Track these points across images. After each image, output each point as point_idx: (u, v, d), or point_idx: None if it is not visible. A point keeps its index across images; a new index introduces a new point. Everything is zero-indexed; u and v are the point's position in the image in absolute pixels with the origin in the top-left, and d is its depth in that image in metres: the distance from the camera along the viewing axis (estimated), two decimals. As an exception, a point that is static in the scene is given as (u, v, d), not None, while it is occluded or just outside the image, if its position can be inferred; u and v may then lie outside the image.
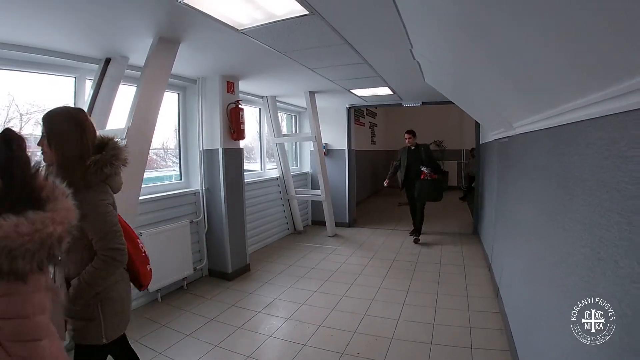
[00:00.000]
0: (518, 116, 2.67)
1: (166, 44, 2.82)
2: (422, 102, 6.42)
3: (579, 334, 1.24)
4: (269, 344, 2.95)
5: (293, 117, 7.36)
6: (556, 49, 1.24)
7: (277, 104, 6.07)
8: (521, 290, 2.53)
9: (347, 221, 7.04)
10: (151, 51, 2.77)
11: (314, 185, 7.16)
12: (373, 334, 3.02)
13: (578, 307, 1.26)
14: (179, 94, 4.34)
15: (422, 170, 5.62)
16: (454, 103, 5.18)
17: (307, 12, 2.39)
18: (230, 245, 4.28)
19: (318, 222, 7.11)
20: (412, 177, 5.76)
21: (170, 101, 4.28)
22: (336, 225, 6.59)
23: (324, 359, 2.70)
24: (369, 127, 10.62)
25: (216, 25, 2.55)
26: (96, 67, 3.22)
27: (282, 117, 7.00)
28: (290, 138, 6.83)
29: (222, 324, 3.28)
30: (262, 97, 5.72)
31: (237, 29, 2.66)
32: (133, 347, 1.92)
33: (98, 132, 1.60)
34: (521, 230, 2.72)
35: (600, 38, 0.98)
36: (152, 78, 2.76)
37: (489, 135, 5.06)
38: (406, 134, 5.88)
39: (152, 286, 3.60)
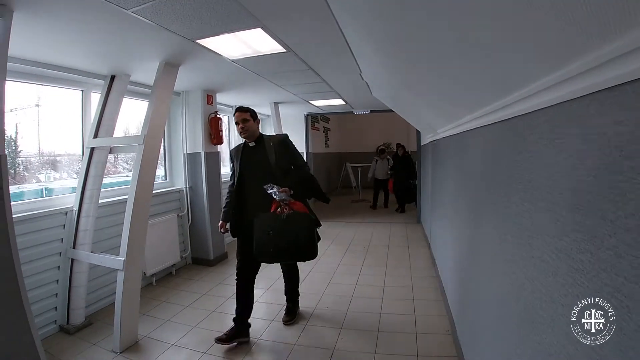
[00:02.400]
0: (438, 125, 3.68)
1: (170, 67, 3.49)
2: (371, 110, 7.45)
3: (469, 276, 2.19)
4: (256, 307, 3.70)
5: (256, 123, 8.10)
6: (450, 85, 2.17)
7: (244, 112, 6.80)
8: (448, 258, 3.53)
9: (308, 216, 7.90)
10: (158, 73, 3.42)
11: (277, 185, 7.95)
12: (337, 294, 3.90)
13: (475, 257, 2.20)
14: (162, 104, 4.97)
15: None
16: (396, 112, 6.23)
17: (284, 50, 3.22)
18: (212, 235, 4.97)
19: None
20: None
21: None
22: (298, 219, 7.42)
23: (303, 309, 3.55)
24: (323, 132, 11.57)
25: (213, 55, 3.29)
26: (101, 82, 3.76)
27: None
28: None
29: (213, 297, 4.00)
30: (232, 106, 6.43)
31: (229, 59, 3.43)
32: (142, 320, 2.63)
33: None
34: (444, 212, 3.72)
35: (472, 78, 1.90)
36: (160, 95, 3.41)
37: (426, 138, 6.16)
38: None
39: (148, 271, 4.23)
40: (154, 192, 4.51)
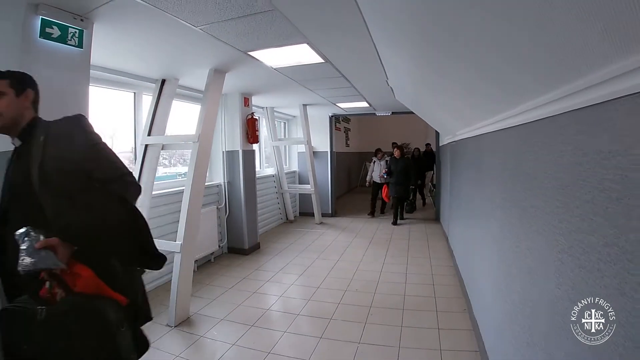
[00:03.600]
0: (457, 128, 4.05)
1: (218, 74, 3.93)
2: (392, 112, 7.80)
3: (481, 265, 2.56)
4: (293, 289, 4.15)
5: (283, 123, 8.55)
6: (468, 96, 2.55)
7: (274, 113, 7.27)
8: (465, 250, 3.89)
9: (330, 212, 8.34)
10: (209, 79, 3.86)
11: (301, 181, 8.40)
12: (365, 280, 4.31)
13: (491, 251, 2.58)
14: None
15: None
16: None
17: (323, 61, 3.63)
18: (247, 226, 5.43)
19: (304, 213, 8.38)
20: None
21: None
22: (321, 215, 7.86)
23: (334, 293, 3.95)
24: (344, 132, 11.97)
25: (258, 64, 3.71)
26: (152, 85, 4.20)
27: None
28: (286, 142, 8.08)
29: (253, 280, 4.44)
30: (263, 107, 6.89)
31: (272, 67, 3.86)
32: (192, 301, 3.07)
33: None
34: (463, 206, 4.08)
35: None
36: (210, 98, 3.84)
37: (444, 139, 6.49)
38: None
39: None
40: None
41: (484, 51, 1.47)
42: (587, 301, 0.97)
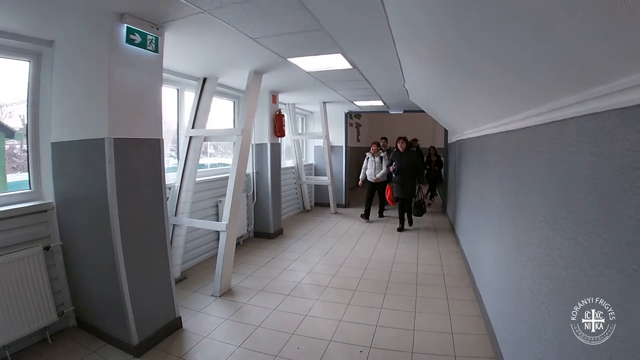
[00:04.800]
0: (465, 128, 4.56)
1: (257, 75, 4.43)
2: (404, 110, 8.30)
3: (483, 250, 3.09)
4: (318, 267, 4.71)
5: (301, 118, 9.08)
6: (476, 101, 3.07)
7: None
8: (469, 236, 4.42)
9: (344, 202, 8.90)
10: (249, 80, 4.35)
11: (317, 174, 8.96)
12: (381, 260, 4.87)
13: (493, 240, 3.11)
14: (234, 102, 5.97)
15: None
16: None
17: (351, 67, 4.15)
18: (272, 213, 5.99)
19: (320, 204, 8.95)
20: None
21: (229, 108, 5.91)
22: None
23: (355, 270, 4.52)
24: (355, 127, 12.47)
25: (293, 67, 4.20)
26: (194, 83, 4.67)
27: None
28: (306, 136, 8.63)
29: (281, 260, 5.00)
30: (285, 104, 7.42)
31: (305, 71, 4.37)
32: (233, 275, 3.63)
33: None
34: (467, 197, 4.60)
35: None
36: (250, 97, 4.34)
37: (453, 137, 7.00)
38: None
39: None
40: (224, 176, 5.55)
41: (495, 66, 1.97)
42: (557, 254, 1.50)
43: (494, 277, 2.84)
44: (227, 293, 3.98)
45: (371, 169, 7.31)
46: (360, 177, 7.62)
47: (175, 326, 3.18)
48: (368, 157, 7.40)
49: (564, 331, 1.38)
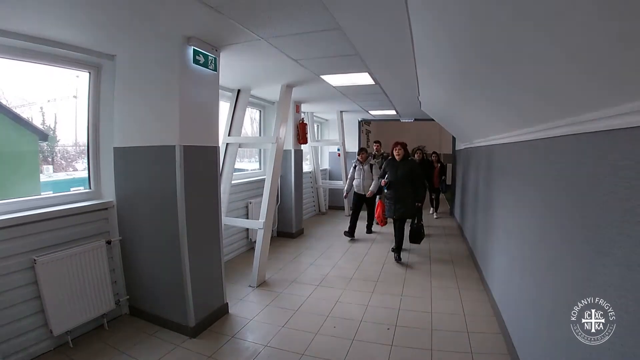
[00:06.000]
0: (474, 137, 5.05)
1: (289, 88, 4.94)
2: (415, 119, 8.80)
3: (490, 241, 3.58)
4: (341, 262, 5.19)
5: (316, 125, 9.61)
6: (488, 116, 3.56)
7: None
8: (475, 232, 4.90)
9: (357, 206, 9.38)
10: (282, 93, 4.85)
11: (331, 178, 9.47)
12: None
13: (505, 238, 3.60)
14: (260, 111, 6.49)
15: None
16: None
17: (373, 83, 4.65)
18: (295, 214, 6.48)
19: (333, 207, 9.45)
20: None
21: (254, 115, 6.44)
22: (349, 208, 8.90)
23: (375, 266, 5.01)
24: (365, 133, 12.96)
25: (323, 82, 4.70)
26: (229, 94, 5.15)
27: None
28: (323, 142, 9.15)
29: (306, 256, 5.49)
30: (305, 112, 7.94)
31: (332, 85, 4.88)
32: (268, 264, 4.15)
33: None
34: (472, 199, 5.08)
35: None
36: (282, 108, 4.82)
37: (461, 145, 7.49)
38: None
39: (253, 238, 5.73)
40: (253, 179, 6.05)
41: (505, 85, 2.46)
42: (550, 239, 1.98)
43: (498, 265, 3.31)
44: (263, 284, 4.44)
45: (359, 178, 6.31)
46: (345, 187, 6.70)
47: (223, 311, 3.64)
48: (355, 165, 6.43)
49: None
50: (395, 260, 5.19)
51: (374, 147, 7.56)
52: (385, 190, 5.41)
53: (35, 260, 2.72)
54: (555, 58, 1.38)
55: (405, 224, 5.37)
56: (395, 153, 5.27)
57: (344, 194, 6.83)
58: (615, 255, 1.23)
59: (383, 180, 5.42)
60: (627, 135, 1.19)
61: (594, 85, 1.30)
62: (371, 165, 6.30)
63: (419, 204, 5.28)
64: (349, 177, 6.57)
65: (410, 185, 5.16)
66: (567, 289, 1.70)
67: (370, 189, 6.17)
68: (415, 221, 5.45)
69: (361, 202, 6.42)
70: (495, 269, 3.64)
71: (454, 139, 8.84)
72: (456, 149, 8.78)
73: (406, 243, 5.55)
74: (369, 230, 6.83)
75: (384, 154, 7.30)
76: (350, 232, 6.37)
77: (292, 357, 2.89)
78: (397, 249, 5.30)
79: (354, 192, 6.46)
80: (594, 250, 1.42)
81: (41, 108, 3.32)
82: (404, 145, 5.29)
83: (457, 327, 3.29)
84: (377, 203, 6.33)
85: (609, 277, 1.29)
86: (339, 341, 3.11)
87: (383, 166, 5.59)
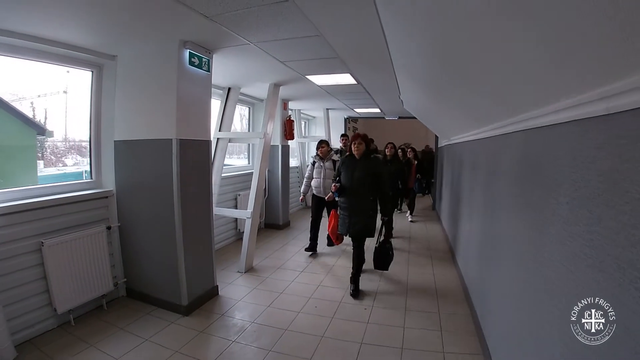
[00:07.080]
0: (451, 134, 5.41)
1: (276, 87, 5.22)
2: (399, 117, 9.16)
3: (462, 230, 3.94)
4: (324, 251, 5.52)
5: (303, 122, 9.90)
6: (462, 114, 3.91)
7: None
8: (451, 223, 5.27)
9: (342, 200, 9.71)
10: (269, 91, 5.12)
11: (318, 174, 9.79)
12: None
13: (478, 235, 3.95)
14: (249, 108, 6.77)
15: None
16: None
17: (356, 83, 4.97)
18: (282, 207, 6.79)
19: (320, 201, 9.77)
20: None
21: (244, 112, 6.71)
22: (335, 202, 9.24)
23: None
24: (352, 131, 13.30)
25: (308, 82, 5.00)
26: (220, 92, 5.40)
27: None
28: (311, 139, 9.42)
29: (292, 246, 5.81)
30: (293, 109, 8.23)
31: (317, 84, 5.19)
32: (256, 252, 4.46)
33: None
34: (450, 194, 5.45)
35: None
36: (270, 106, 5.11)
37: (442, 142, 7.88)
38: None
39: (241, 229, 6.02)
40: (242, 172, 6.33)
41: (469, 91, 2.81)
42: (527, 233, 2.32)
43: (468, 249, 3.66)
44: (250, 270, 4.74)
45: (319, 178, 5.25)
46: (302, 190, 5.52)
47: (213, 292, 3.94)
48: (314, 162, 5.37)
49: None
50: (351, 294, 3.91)
51: (340, 141, 6.26)
52: (337, 198, 4.16)
53: (42, 242, 2.97)
54: (503, 69, 1.69)
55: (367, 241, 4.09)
56: (353, 148, 3.93)
57: (300, 198, 5.65)
58: (550, 233, 1.52)
59: (334, 184, 4.03)
60: (561, 130, 1.45)
61: (531, 89, 1.61)
62: (334, 162, 5.18)
63: (385, 218, 4.12)
64: (306, 175, 5.47)
65: (372, 192, 3.86)
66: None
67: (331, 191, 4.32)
68: (382, 238, 4.11)
69: (322, 207, 5.33)
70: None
71: (436, 137, 9.21)
72: (439, 146, 9.16)
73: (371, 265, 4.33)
74: (330, 242, 5.15)
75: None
76: (311, 247, 5.39)
77: (276, 332, 3.20)
78: (354, 278, 3.99)
79: (313, 194, 5.38)
80: (533, 228, 1.75)
81: (32, 103, 3.42)
82: (365, 138, 3.95)
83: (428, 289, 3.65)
84: (330, 214, 4.60)
85: (549, 253, 1.54)
86: (320, 319, 3.44)
87: (337, 166, 4.25)
